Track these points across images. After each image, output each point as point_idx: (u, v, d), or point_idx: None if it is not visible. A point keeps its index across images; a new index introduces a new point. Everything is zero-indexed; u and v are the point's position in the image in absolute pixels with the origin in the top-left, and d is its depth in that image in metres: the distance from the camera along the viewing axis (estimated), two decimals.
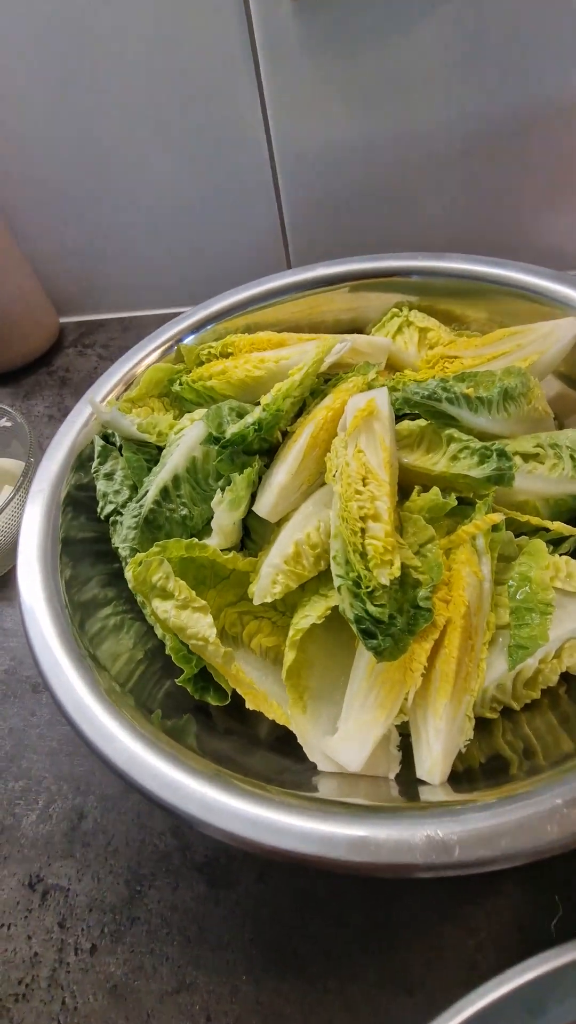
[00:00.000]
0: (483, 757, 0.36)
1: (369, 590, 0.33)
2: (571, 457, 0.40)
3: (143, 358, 0.53)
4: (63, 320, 0.85)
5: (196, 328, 0.55)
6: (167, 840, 0.42)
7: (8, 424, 0.60)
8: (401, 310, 0.57)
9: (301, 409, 0.46)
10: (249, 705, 0.37)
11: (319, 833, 0.27)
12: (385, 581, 0.33)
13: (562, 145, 0.65)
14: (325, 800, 0.29)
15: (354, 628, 0.32)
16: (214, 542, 0.39)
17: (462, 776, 0.34)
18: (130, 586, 0.37)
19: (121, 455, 0.46)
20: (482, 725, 0.38)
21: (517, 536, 0.41)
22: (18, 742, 0.49)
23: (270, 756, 0.36)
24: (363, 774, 0.34)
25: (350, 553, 0.34)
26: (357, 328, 0.61)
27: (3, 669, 0.53)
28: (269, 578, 0.37)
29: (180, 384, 0.52)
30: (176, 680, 0.39)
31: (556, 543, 0.41)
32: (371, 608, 0.32)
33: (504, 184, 0.68)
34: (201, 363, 0.55)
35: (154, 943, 0.38)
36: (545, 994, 0.28)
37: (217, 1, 0.56)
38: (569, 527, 0.40)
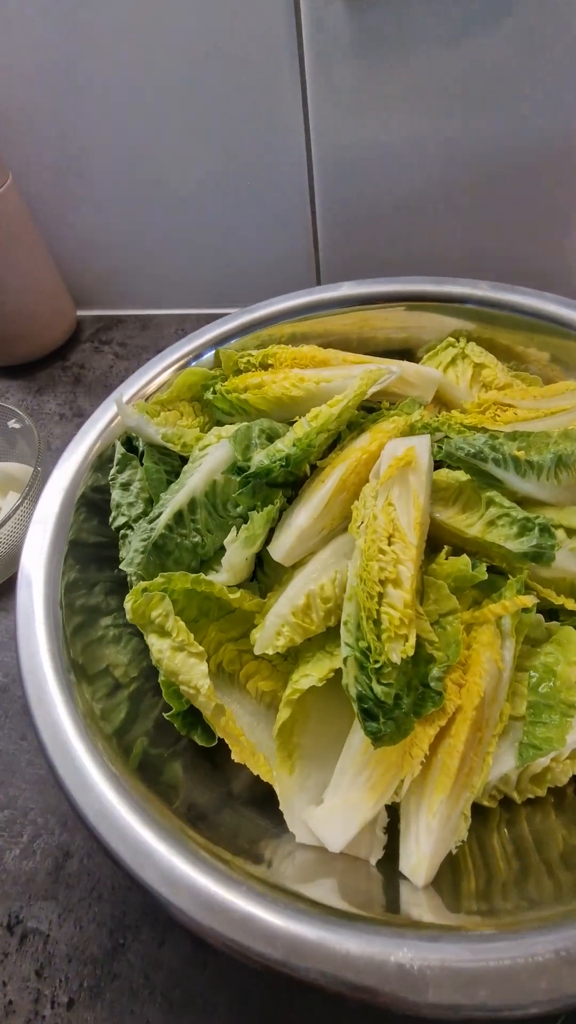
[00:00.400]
0: (473, 859, 0.33)
1: (378, 666, 0.30)
2: None
3: (177, 359, 0.51)
4: (81, 313, 0.82)
5: (238, 333, 0.53)
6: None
7: (17, 426, 0.58)
8: (458, 340, 0.53)
9: (335, 441, 0.43)
10: (235, 757, 0.35)
11: (285, 934, 0.25)
12: (396, 659, 0.30)
13: None
14: (295, 894, 0.27)
15: (355, 706, 0.30)
16: (222, 578, 0.37)
17: (449, 883, 0.32)
18: (128, 617, 0.35)
19: (142, 464, 0.44)
20: (477, 812, 0.35)
21: (549, 617, 0.38)
22: (6, 767, 0.46)
23: (248, 814, 0.34)
24: (343, 853, 0.32)
25: (363, 619, 0.32)
26: (409, 349, 0.57)
27: None
28: (274, 628, 0.35)
29: (214, 392, 0.49)
30: (165, 714, 0.37)
31: None
32: (376, 687, 0.30)
33: (559, 206, 0.63)
34: (239, 371, 0.52)
35: (135, 1003, 0.36)
36: None
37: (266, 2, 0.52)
38: None
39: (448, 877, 0.32)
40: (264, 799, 0.35)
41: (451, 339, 0.53)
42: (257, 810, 0.35)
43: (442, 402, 0.52)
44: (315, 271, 0.75)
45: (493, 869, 0.32)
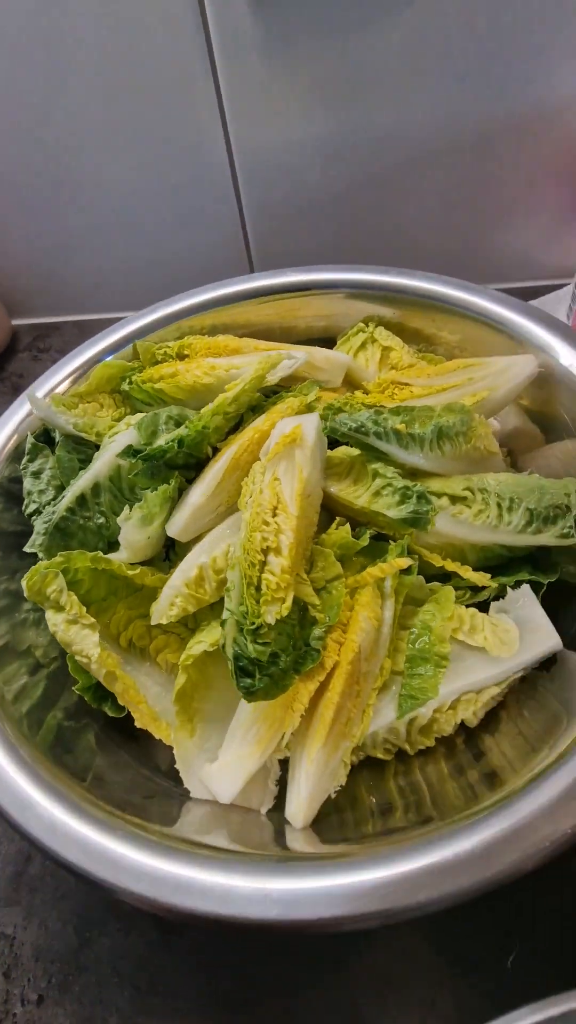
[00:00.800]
0: (374, 801, 0.35)
1: (254, 627, 0.32)
2: (497, 504, 0.39)
3: (95, 355, 0.52)
4: (16, 322, 0.83)
5: (154, 327, 0.54)
6: None
7: None
8: (367, 325, 0.55)
9: (239, 424, 0.45)
10: (138, 723, 0.37)
11: (155, 871, 0.27)
12: (271, 619, 0.32)
13: (530, 156, 0.62)
14: (192, 842, 0.29)
15: (230, 664, 0.32)
16: (122, 556, 0.39)
17: (337, 820, 0.34)
18: (26, 595, 0.37)
19: (54, 454, 0.46)
20: (375, 764, 0.37)
21: (434, 579, 0.40)
22: None
23: (145, 775, 0.36)
24: (236, 804, 0.34)
25: (244, 586, 0.34)
26: (330, 336, 0.59)
27: None
28: (168, 600, 0.37)
29: (129, 383, 0.51)
30: (74, 687, 0.39)
31: (476, 589, 0.40)
32: (251, 646, 0.32)
33: (469, 193, 0.67)
34: (157, 362, 0.54)
35: (104, 993, 0.37)
36: None
37: (173, 4, 0.54)
38: (482, 576, 0.38)
39: (335, 822, 0.34)
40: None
41: (361, 324, 0.55)
42: (165, 775, 0.37)
43: (353, 386, 0.54)
44: (248, 268, 0.77)
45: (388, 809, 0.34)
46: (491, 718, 0.38)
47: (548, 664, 0.38)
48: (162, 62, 0.59)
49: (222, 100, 0.61)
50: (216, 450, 0.43)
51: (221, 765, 0.34)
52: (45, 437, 0.48)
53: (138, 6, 0.55)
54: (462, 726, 0.37)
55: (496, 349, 0.49)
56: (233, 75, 0.59)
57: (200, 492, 0.39)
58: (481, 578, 0.38)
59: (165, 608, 0.37)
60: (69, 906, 0.40)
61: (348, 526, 0.38)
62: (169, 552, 0.44)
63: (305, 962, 0.37)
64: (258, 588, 0.34)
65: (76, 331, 0.82)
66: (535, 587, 0.39)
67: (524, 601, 0.37)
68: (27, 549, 0.41)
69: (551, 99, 0.59)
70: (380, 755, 0.37)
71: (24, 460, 0.45)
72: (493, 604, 0.39)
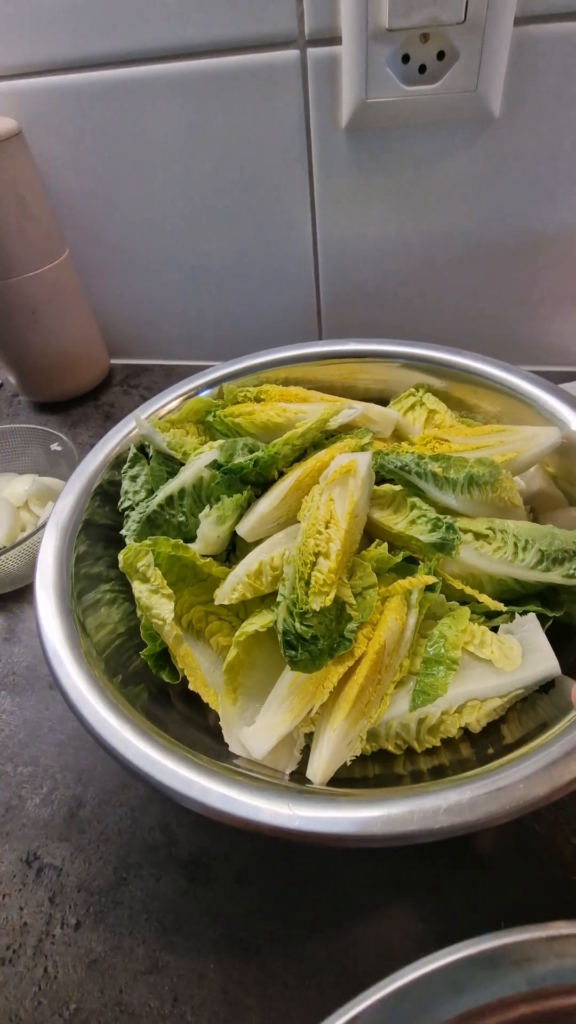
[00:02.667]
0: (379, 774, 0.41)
1: (302, 611, 0.40)
2: (514, 544, 0.46)
3: (189, 391, 0.63)
4: (114, 361, 0.98)
5: (238, 375, 0.65)
6: (156, 835, 0.46)
7: (59, 448, 0.71)
8: (417, 391, 0.64)
9: (303, 456, 0.55)
10: (191, 686, 0.44)
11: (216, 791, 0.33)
12: (316, 607, 0.40)
13: (565, 264, 0.74)
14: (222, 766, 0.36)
15: (280, 638, 0.39)
16: (197, 547, 0.47)
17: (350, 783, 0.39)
18: (120, 566, 0.45)
19: (149, 465, 0.56)
20: (386, 756, 0.43)
21: (457, 602, 0.46)
22: (31, 732, 0.54)
23: (191, 731, 0.43)
24: (265, 764, 0.40)
25: (296, 579, 0.41)
26: (385, 398, 0.69)
27: (25, 665, 0.59)
28: (230, 585, 0.45)
29: (213, 416, 0.61)
30: (141, 653, 0.47)
31: (491, 616, 0.47)
32: (298, 626, 0.39)
33: (516, 287, 0.78)
34: (237, 402, 0.64)
35: (134, 926, 0.42)
36: (472, 974, 0.29)
37: (285, 122, 0.69)
38: (496, 603, 0.45)
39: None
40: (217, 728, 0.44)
41: (412, 389, 0.65)
42: (207, 731, 0.44)
43: (399, 438, 0.63)
44: (318, 335, 0.90)
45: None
46: (493, 728, 0.43)
47: (547, 688, 0.43)
48: (269, 171, 0.73)
49: (314, 202, 0.75)
50: (282, 474, 0.52)
51: (258, 727, 0.40)
52: (141, 450, 0.58)
53: (255, 131, 0.71)
54: (466, 733, 0.43)
55: (527, 421, 0.58)
56: (326, 185, 0.73)
57: (267, 503, 0.48)
58: (495, 604, 0.45)
59: (227, 592, 0.44)
60: (111, 849, 0.46)
61: (386, 546, 0.46)
62: (230, 555, 0.52)
63: (311, 921, 0.42)
64: (308, 582, 0.41)
65: (162, 373, 0.96)
66: (542, 619, 0.45)
67: (529, 626, 0.43)
68: (123, 533, 0.50)
69: None
70: (391, 749, 0.43)
71: (125, 466, 0.55)
72: (502, 626, 0.45)
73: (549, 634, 0.45)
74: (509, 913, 0.40)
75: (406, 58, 0.57)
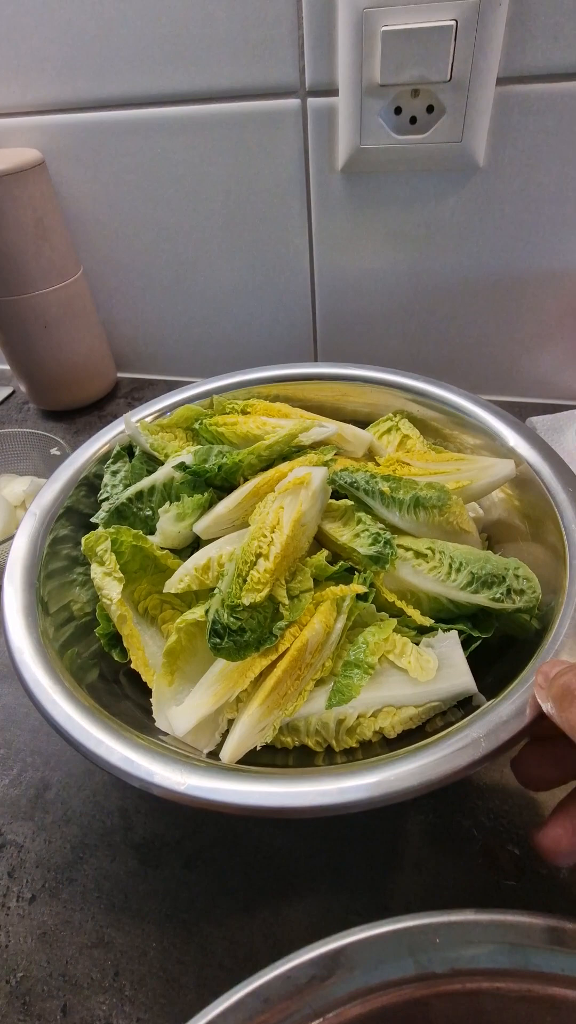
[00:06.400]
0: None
1: (233, 604, 0.43)
2: (449, 565, 0.48)
3: (181, 400, 0.69)
4: (121, 375, 1.04)
5: (230, 388, 0.70)
6: (114, 819, 0.49)
7: (57, 453, 0.77)
8: (395, 416, 0.68)
9: (269, 467, 0.58)
10: (133, 665, 0.48)
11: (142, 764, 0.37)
12: (247, 602, 0.43)
13: (554, 300, 0.77)
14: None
15: (208, 626, 0.43)
16: (156, 540, 0.52)
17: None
18: (82, 549, 0.50)
19: (131, 462, 0.61)
20: (307, 753, 0.46)
21: (392, 616, 0.49)
22: (7, 717, 0.57)
23: (129, 706, 0.47)
24: (186, 741, 0.44)
25: (235, 576, 0.45)
26: (369, 421, 0.73)
27: (5, 654, 0.65)
28: (178, 576, 0.49)
29: (200, 424, 0.66)
30: (95, 631, 0.51)
31: (423, 632, 0.49)
32: (227, 617, 0.43)
33: (502, 322, 0.82)
34: (225, 413, 0.69)
35: (85, 903, 0.45)
36: (429, 938, 0.31)
37: (286, 164, 0.75)
38: (424, 618, 0.47)
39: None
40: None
41: (391, 415, 0.68)
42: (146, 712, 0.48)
43: (372, 459, 0.66)
44: (312, 357, 0.95)
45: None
46: (408, 737, 0.45)
47: (466, 705, 0.45)
48: (271, 206, 0.79)
49: (312, 237, 0.81)
50: (247, 480, 0.56)
51: (183, 707, 0.44)
52: (128, 450, 0.64)
53: (259, 170, 0.77)
54: (384, 738, 0.45)
55: (490, 451, 0.60)
56: (323, 222, 0.79)
57: (225, 505, 0.52)
58: (423, 619, 0.47)
59: (175, 582, 0.48)
60: (72, 830, 0.49)
61: (327, 553, 0.49)
62: (194, 551, 0.56)
63: (252, 908, 0.44)
64: (244, 579, 0.45)
65: (165, 387, 1.01)
66: (470, 640, 0.47)
67: (448, 643, 0.46)
68: (93, 520, 0.55)
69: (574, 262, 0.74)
70: (312, 745, 0.46)
71: (108, 461, 0.61)
72: (424, 640, 0.47)
73: (478, 655, 0.47)
74: None
75: (398, 110, 0.62)
